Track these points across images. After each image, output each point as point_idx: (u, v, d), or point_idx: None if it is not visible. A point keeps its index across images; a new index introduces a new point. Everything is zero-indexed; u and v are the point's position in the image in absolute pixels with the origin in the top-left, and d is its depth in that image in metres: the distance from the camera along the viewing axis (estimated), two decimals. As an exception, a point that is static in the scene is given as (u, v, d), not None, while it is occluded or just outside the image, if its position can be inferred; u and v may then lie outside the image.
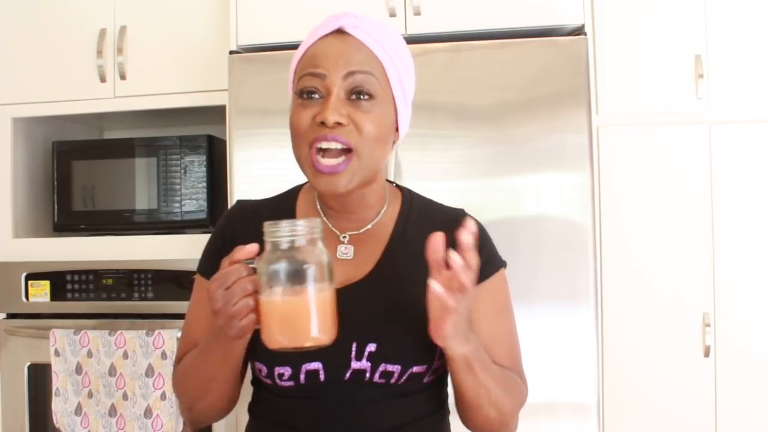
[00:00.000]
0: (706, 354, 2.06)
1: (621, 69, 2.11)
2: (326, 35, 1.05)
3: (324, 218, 1.13)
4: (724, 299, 2.07)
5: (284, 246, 0.90)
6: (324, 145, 1.01)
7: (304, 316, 0.90)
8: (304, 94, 1.04)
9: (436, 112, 2.02)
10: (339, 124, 1.01)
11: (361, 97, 1.03)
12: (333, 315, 0.92)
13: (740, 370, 2.06)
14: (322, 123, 1.01)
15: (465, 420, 1.11)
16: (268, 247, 0.90)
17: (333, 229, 1.12)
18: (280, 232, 0.90)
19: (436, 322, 0.94)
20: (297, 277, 0.89)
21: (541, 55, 2.00)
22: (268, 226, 0.90)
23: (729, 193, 2.08)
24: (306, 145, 1.03)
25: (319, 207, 1.15)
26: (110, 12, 2.36)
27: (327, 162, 1.02)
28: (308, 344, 0.91)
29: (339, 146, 1.02)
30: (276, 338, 0.91)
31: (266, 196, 1.21)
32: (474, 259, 0.91)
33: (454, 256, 0.90)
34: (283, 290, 0.89)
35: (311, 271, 0.89)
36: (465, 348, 0.98)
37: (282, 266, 0.89)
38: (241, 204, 1.20)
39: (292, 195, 1.19)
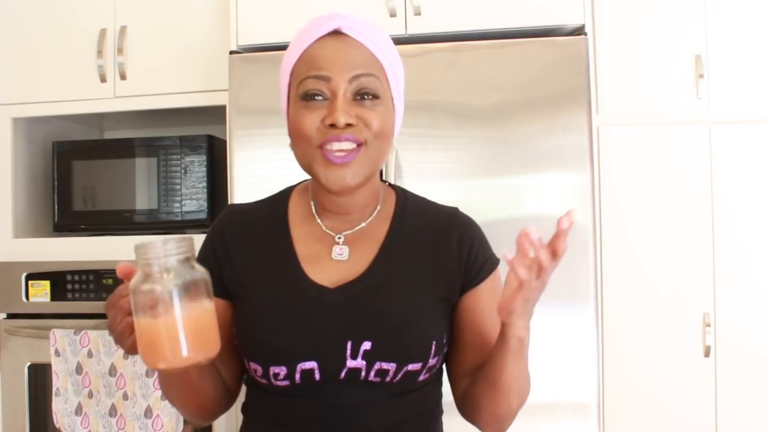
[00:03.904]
0: (707, 354, 2.06)
1: (621, 69, 2.11)
2: (323, 37, 1.05)
3: (319, 220, 1.13)
4: (725, 299, 2.07)
5: (150, 268, 0.90)
6: (336, 146, 1.03)
7: (165, 338, 0.89)
8: (307, 97, 1.04)
9: (437, 112, 2.02)
10: (349, 125, 1.02)
11: (366, 97, 1.04)
12: (207, 332, 0.92)
13: (740, 370, 2.06)
14: (332, 125, 1.02)
15: (479, 410, 1.11)
16: (137, 268, 0.91)
17: (328, 231, 1.12)
18: (147, 254, 0.90)
19: (507, 298, 0.95)
20: (161, 298, 0.89)
21: (541, 55, 2.00)
22: (137, 248, 0.90)
23: (729, 193, 2.08)
24: (313, 146, 1.04)
25: (314, 209, 1.14)
26: (110, 12, 2.36)
27: (339, 152, 1.03)
28: (162, 366, 0.91)
29: (352, 145, 1.03)
30: (144, 358, 0.91)
31: (266, 196, 1.21)
32: (563, 246, 0.90)
33: (533, 232, 0.89)
34: (150, 311, 0.89)
35: (175, 292, 0.89)
36: (524, 332, 0.99)
37: (145, 288, 0.89)
38: (232, 208, 1.20)
39: (284, 196, 1.18)
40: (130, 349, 0.95)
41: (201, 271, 0.93)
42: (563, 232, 0.90)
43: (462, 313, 1.13)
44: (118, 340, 0.96)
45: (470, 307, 1.13)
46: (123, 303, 0.93)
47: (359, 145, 1.03)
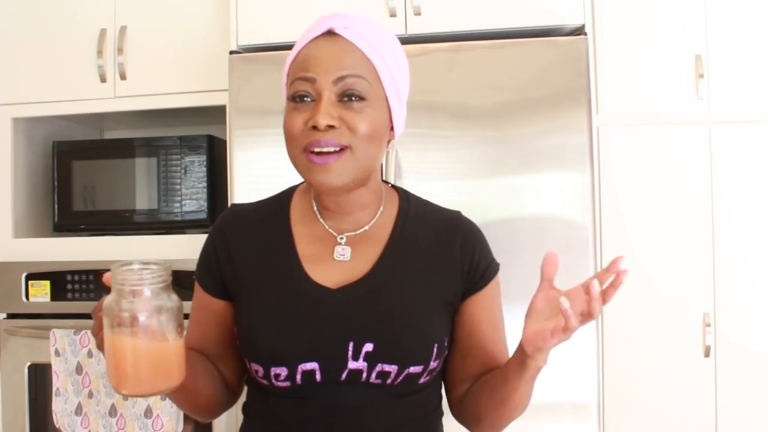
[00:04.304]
0: (707, 354, 2.06)
1: (621, 69, 2.11)
2: (317, 38, 1.05)
3: (321, 220, 1.13)
4: (725, 299, 2.07)
5: (122, 292, 0.89)
6: (317, 149, 1.02)
7: (128, 365, 0.89)
8: (296, 98, 1.04)
9: (437, 112, 2.02)
10: (331, 127, 1.01)
11: (353, 98, 1.03)
12: (170, 363, 0.91)
13: (740, 370, 2.06)
14: (314, 127, 1.01)
15: (480, 420, 1.12)
16: (113, 287, 0.90)
17: (330, 230, 1.12)
18: (121, 277, 0.89)
19: (543, 332, 0.95)
20: (128, 324, 0.88)
21: (541, 55, 2.00)
22: (114, 268, 0.90)
23: (729, 193, 2.08)
24: (299, 149, 1.04)
25: (315, 209, 1.14)
26: (110, 12, 2.36)
27: (321, 154, 1.02)
28: (124, 391, 0.90)
29: (333, 149, 1.02)
30: (109, 380, 0.91)
31: (266, 196, 1.21)
32: (611, 297, 0.94)
33: (595, 285, 0.92)
34: (117, 334, 0.89)
35: (142, 321, 0.88)
36: (544, 363, 1.00)
37: (115, 310, 0.89)
38: (234, 208, 1.20)
39: (286, 196, 1.18)
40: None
41: (174, 300, 0.92)
42: (620, 285, 0.94)
43: (462, 318, 1.13)
44: (100, 349, 0.96)
45: (471, 312, 1.13)
46: (100, 316, 0.93)
47: (343, 148, 1.02)
